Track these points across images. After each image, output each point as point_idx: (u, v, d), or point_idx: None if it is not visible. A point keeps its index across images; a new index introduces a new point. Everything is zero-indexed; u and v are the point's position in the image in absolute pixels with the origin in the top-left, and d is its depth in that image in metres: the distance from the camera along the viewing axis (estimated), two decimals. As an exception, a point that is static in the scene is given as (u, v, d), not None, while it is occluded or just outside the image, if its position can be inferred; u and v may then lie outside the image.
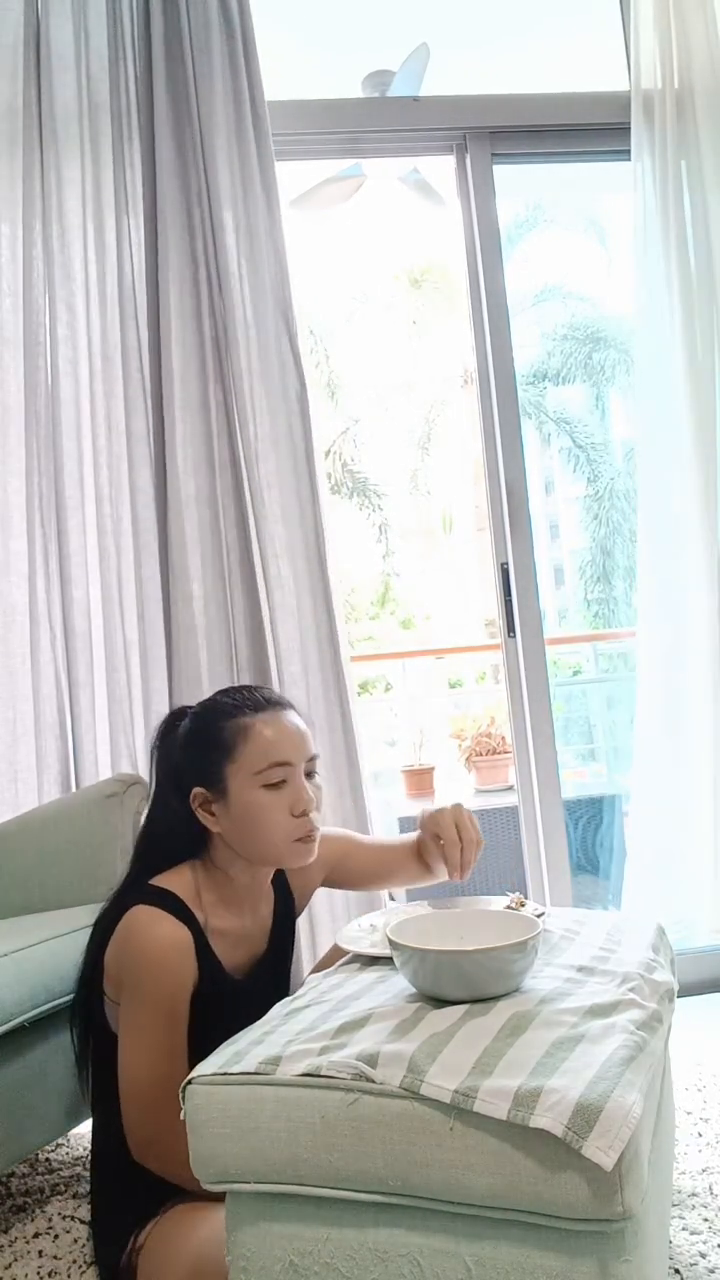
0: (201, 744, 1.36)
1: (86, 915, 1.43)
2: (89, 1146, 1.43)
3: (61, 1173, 1.71)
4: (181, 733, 1.40)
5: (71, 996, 1.41)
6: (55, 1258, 1.42)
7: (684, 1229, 1.34)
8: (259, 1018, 1.17)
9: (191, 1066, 1.19)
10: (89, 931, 1.38)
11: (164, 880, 1.33)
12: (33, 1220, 1.53)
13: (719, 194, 2.39)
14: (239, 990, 1.35)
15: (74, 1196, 1.61)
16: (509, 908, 1.37)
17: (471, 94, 2.50)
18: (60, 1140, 1.82)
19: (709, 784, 2.35)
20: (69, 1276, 1.38)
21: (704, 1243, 1.31)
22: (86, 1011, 1.36)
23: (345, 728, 2.21)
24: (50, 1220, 1.53)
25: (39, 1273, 1.39)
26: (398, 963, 1.14)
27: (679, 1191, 1.44)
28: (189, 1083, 1.04)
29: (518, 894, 1.46)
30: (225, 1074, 1.02)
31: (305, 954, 2.12)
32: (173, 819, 1.37)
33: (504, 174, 2.53)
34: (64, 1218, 1.53)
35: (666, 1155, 1.23)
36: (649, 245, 2.40)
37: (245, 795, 1.32)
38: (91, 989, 1.33)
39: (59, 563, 2.14)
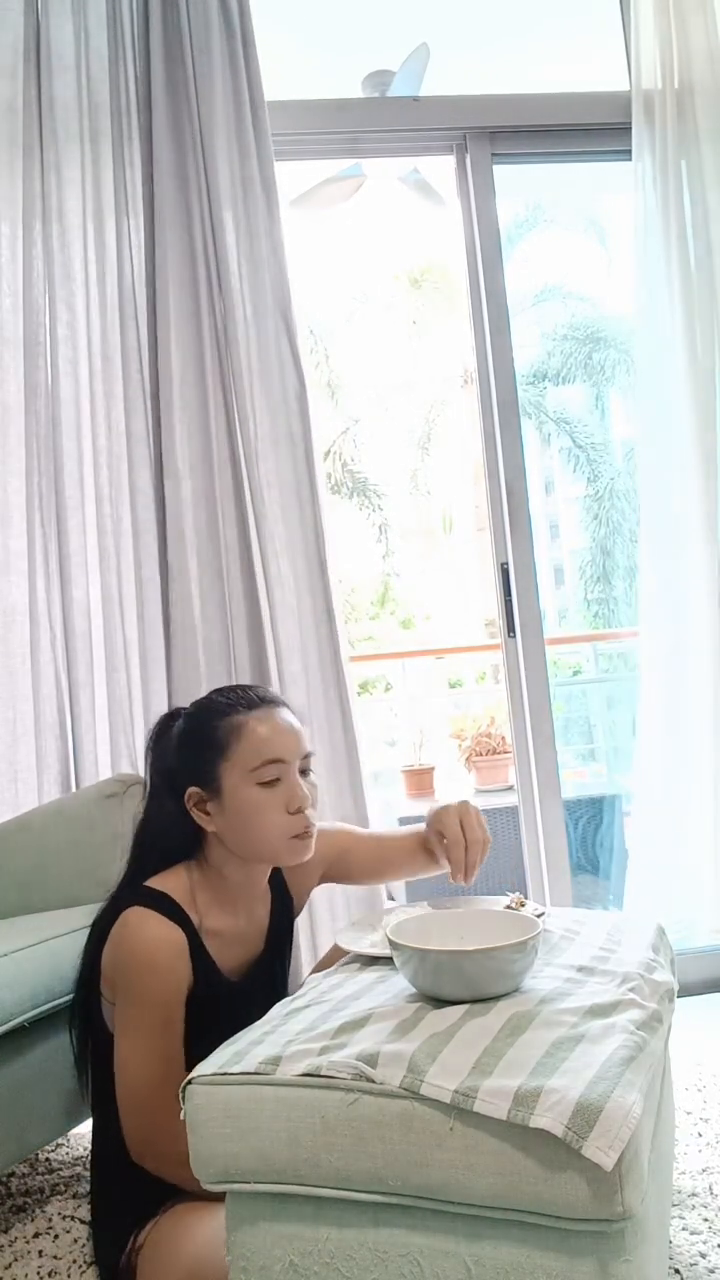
0: (196, 743, 1.36)
1: (86, 915, 1.42)
2: (89, 1146, 1.43)
3: (61, 1173, 1.71)
4: (176, 733, 1.39)
5: (70, 997, 1.41)
6: (55, 1258, 1.42)
7: (684, 1229, 1.34)
8: (255, 1019, 1.17)
9: (188, 1068, 1.19)
10: (87, 932, 1.38)
11: (158, 881, 1.33)
12: (33, 1220, 1.53)
13: (719, 193, 2.39)
14: (235, 991, 1.35)
15: (74, 1196, 1.61)
16: (509, 908, 1.37)
17: (471, 94, 2.50)
18: (60, 1140, 1.82)
19: (710, 784, 2.35)
20: (69, 1276, 1.38)
21: (704, 1243, 1.31)
22: (85, 1012, 1.36)
23: (345, 727, 2.20)
24: (50, 1220, 1.53)
25: (39, 1273, 1.39)
26: (398, 963, 1.14)
27: (679, 1191, 1.44)
28: (189, 1083, 1.04)
29: (518, 894, 1.46)
30: (225, 1074, 1.02)
31: (305, 954, 2.12)
32: (167, 820, 1.36)
33: (504, 174, 2.53)
34: (64, 1218, 1.53)
35: (666, 1155, 1.23)
36: (649, 245, 2.40)
37: (240, 793, 1.32)
38: (89, 990, 1.33)
39: (59, 563, 2.14)
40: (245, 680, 2.15)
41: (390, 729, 6.29)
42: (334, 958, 1.50)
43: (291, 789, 1.34)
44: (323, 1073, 0.98)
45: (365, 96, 2.62)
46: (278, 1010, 1.19)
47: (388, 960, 1.28)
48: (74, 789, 2.11)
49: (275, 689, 2.14)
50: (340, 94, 2.54)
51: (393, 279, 10.06)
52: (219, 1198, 1.08)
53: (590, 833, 3.69)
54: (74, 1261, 1.41)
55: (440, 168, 2.91)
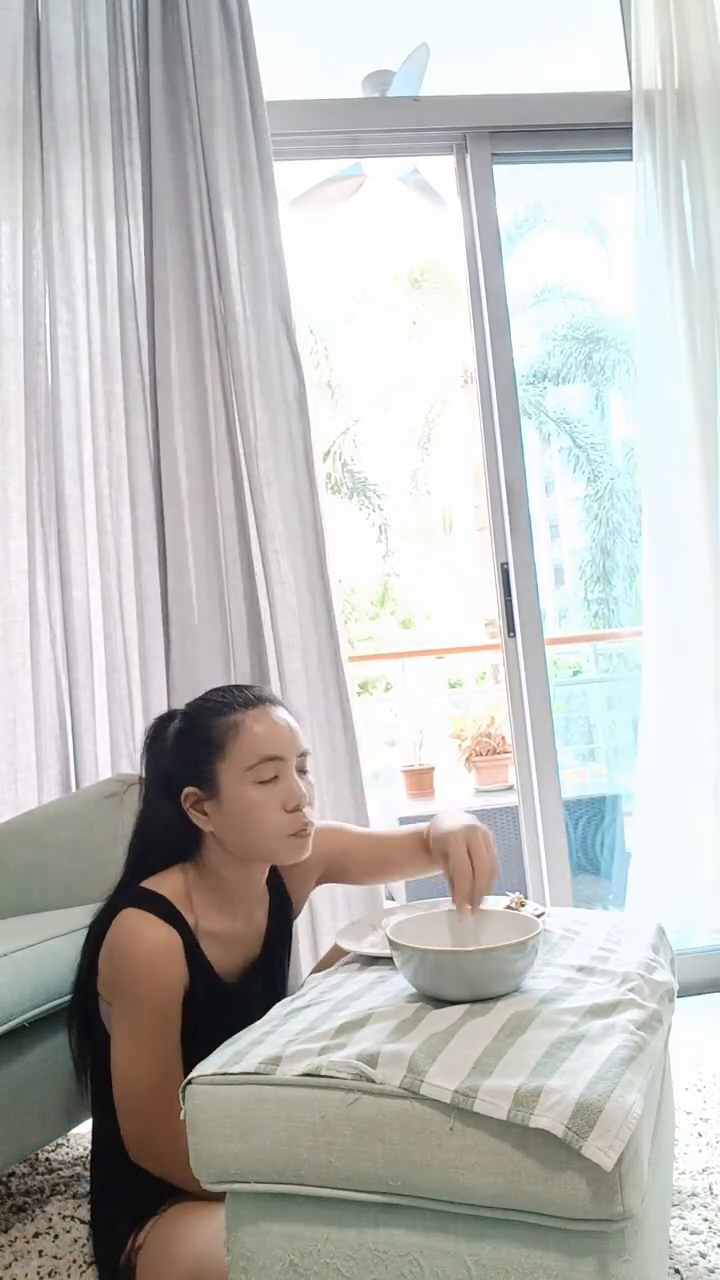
0: (192, 743, 1.35)
1: (86, 915, 1.42)
2: (89, 1146, 1.43)
3: (61, 1173, 1.71)
4: (172, 733, 1.39)
5: (69, 998, 1.41)
6: (55, 1258, 1.42)
7: (684, 1229, 1.34)
8: (254, 1020, 1.17)
9: (186, 1069, 1.19)
10: (85, 933, 1.38)
11: (154, 883, 1.32)
12: (33, 1220, 1.53)
13: (719, 193, 2.39)
14: (231, 993, 1.35)
15: (74, 1196, 1.61)
16: (509, 908, 1.37)
17: (471, 94, 2.50)
18: (60, 1140, 1.82)
19: (712, 783, 2.35)
20: (69, 1276, 1.38)
21: (704, 1243, 1.31)
22: (84, 1013, 1.35)
23: (345, 726, 2.21)
24: (50, 1220, 1.53)
25: (39, 1273, 1.39)
26: (398, 963, 1.14)
27: (679, 1191, 1.44)
28: (189, 1082, 1.04)
29: (518, 894, 1.45)
30: (225, 1074, 1.02)
31: (305, 954, 2.12)
32: (164, 821, 1.36)
33: (504, 174, 2.53)
34: (64, 1218, 1.53)
35: (666, 1155, 1.23)
36: (650, 244, 2.41)
37: (237, 792, 1.31)
38: (88, 991, 1.33)
39: (59, 562, 2.14)
40: (245, 680, 2.15)
41: (390, 729, 6.29)
42: (334, 958, 1.50)
43: (289, 787, 1.33)
44: (323, 1073, 0.98)
45: (365, 96, 2.62)
46: (278, 1010, 1.19)
47: (388, 960, 1.28)
48: (74, 789, 2.11)
49: (275, 688, 2.14)
50: (340, 94, 2.54)
51: (393, 279, 10.05)
52: (218, 1197, 1.08)
53: (590, 833, 3.69)
54: (74, 1261, 1.41)
55: (440, 168, 2.91)
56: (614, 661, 5.71)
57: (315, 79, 2.60)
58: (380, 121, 2.48)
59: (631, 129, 2.42)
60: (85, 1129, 1.63)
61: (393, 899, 2.97)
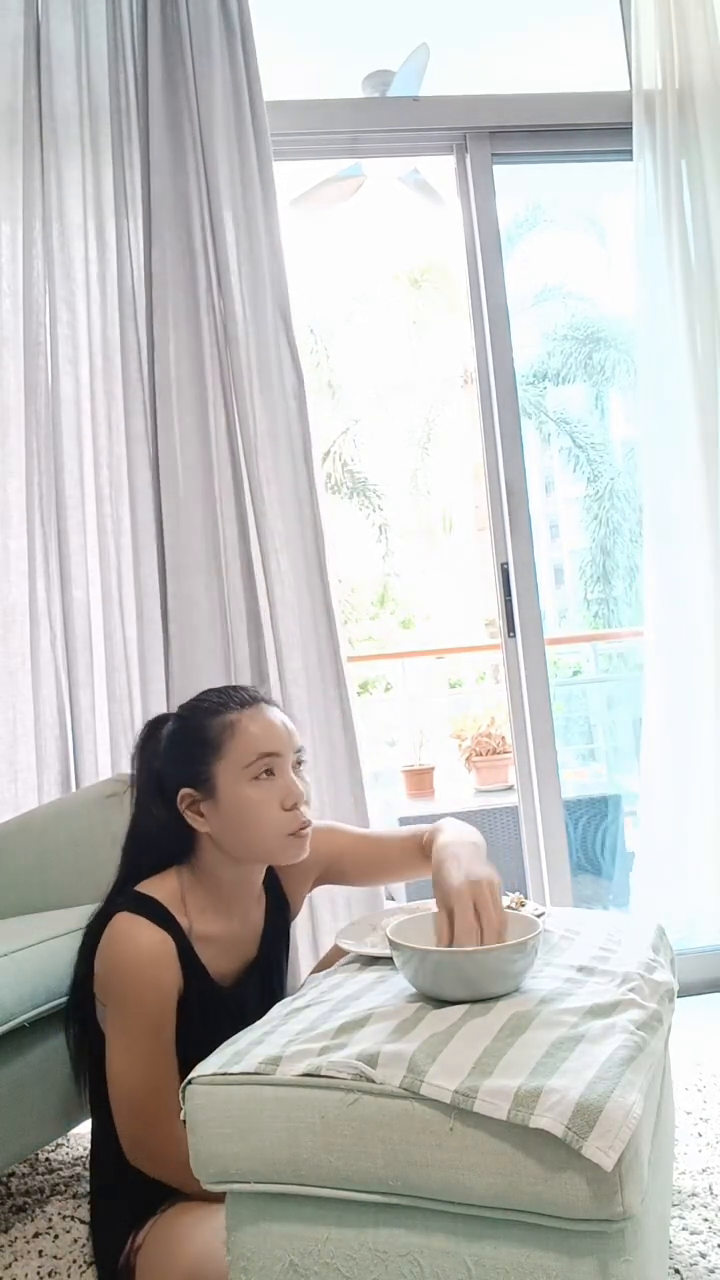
0: (187, 744, 1.35)
1: (86, 915, 1.42)
2: (89, 1146, 1.43)
3: (61, 1173, 1.71)
4: (166, 735, 1.38)
5: (67, 999, 1.41)
6: (55, 1258, 1.42)
7: (684, 1229, 1.34)
8: (248, 1023, 1.16)
9: (182, 1073, 1.19)
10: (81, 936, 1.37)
11: (148, 886, 1.32)
12: (33, 1220, 1.53)
13: (719, 192, 2.39)
14: (227, 996, 1.34)
15: (74, 1196, 1.61)
16: (509, 908, 1.36)
17: (471, 94, 2.50)
18: (60, 1140, 1.82)
19: (714, 783, 2.36)
20: (69, 1276, 1.38)
21: (704, 1243, 1.31)
22: (81, 1015, 1.35)
23: (345, 725, 2.21)
24: (50, 1220, 1.53)
25: (39, 1273, 1.39)
26: (398, 963, 1.14)
27: (679, 1191, 1.44)
28: (189, 1083, 1.04)
29: (518, 894, 1.45)
30: (225, 1074, 1.02)
31: (305, 954, 2.12)
32: (157, 824, 1.35)
33: (504, 174, 2.53)
34: (64, 1218, 1.53)
35: (666, 1155, 1.23)
36: (651, 244, 2.41)
37: (235, 791, 1.31)
38: (84, 994, 1.33)
39: (59, 562, 2.14)
40: (244, 679, 2.16)
41: (390, 729, 6.29)
42: (334, 958, 1.50)
43: (286, 784, 1.33)
44: (323, 1073, 0.98)
45: (365, 96, 2.62)
46: (278, 1010, 1.19)
47: (388, 960, 1.28)
48: (74, 789, 2.11)
49: (275, 687, 2.14)
50: (340, 94, 2.54)
51: (393, 279, 10.05)
52: (217, 1198, 1.08)
53: (590, 833, 3.69)
54: (74, 1261, 1.41)
55: (440, 168, 2.91)
56: (614, 661, 5.71)
57: (315, 79, 2.60)
58: (380, 121, 2.48)
59: (631, 129, 2.42)
60: (85, 1129, 1.63)
61: (393, 899, 2.97)
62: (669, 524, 2.41)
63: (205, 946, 1.32)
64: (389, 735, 6.24)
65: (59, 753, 2.12)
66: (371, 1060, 0.98)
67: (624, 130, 2.44)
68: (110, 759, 2.12)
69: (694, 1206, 1.40)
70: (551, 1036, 0.99)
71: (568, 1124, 0.86)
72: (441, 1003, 1.09)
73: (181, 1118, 1.05)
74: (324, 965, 1.54)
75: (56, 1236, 1.48)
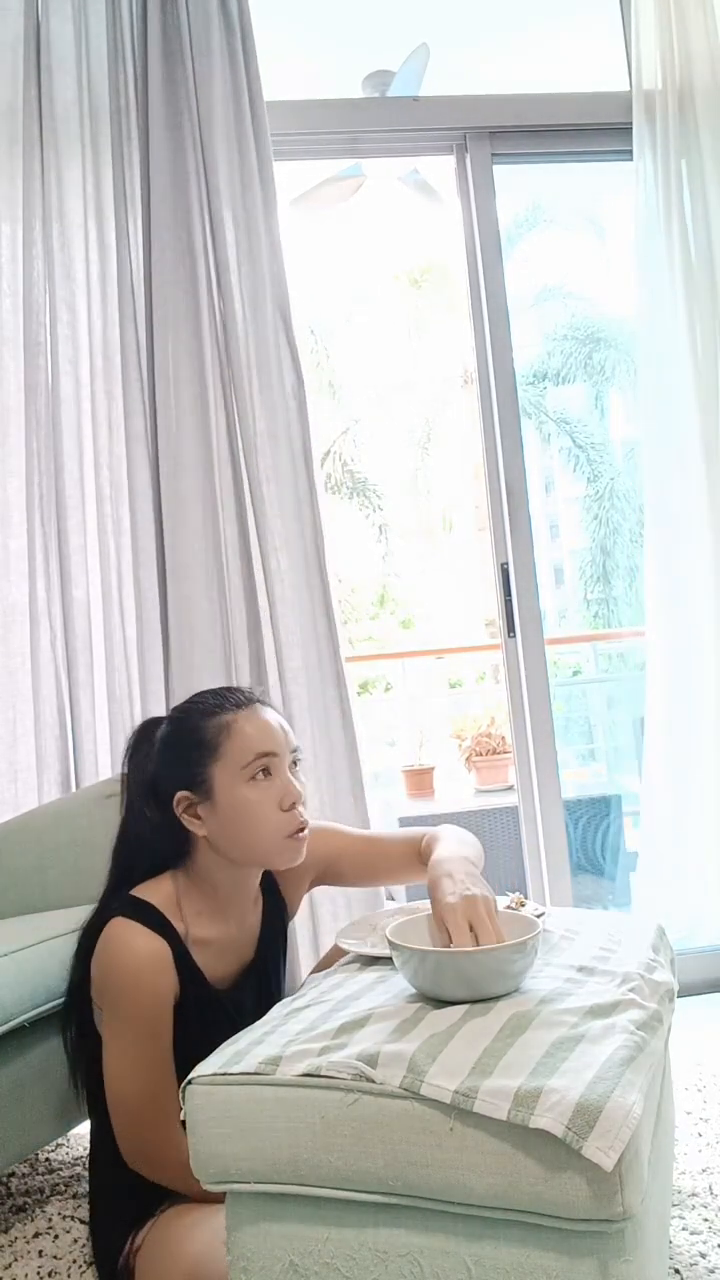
0: (183, 746, 1.33)
1: (85, 916, 1.42)
2: (88, 1147, 1.43)
3: (61, 1173, 1.71)
4: (160, 738, 1.37)
5: (64, 1003, 1.41)
6: (55, 1258, 1.42)
7: (684, 1229, 1.34)
8: (246, 1026, 1.16)
9: (180, 1077, 1.18)
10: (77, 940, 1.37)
11: (143, 891, 1.31)
12: (33, 1220, 1.53)
13: (719, 192, 2.39)
14: (224, 999, 1.34)
15: (74, 1196, 1.61)
16: (509, 908, 1.37)
17: (471, 94, 2.50)
18: (60, 1140, 1.82)
19: (716, 783, 2.36)
20: (69, 1276, 1.38)
21: (704, 1243, 1.31)
22: (79, 1019, 1.35)
23: (345, 724, 2.21)
24: (50, 1220, 1.53)
25: (39, 1273, 1.39)
26: (398, 963, 1.14)
27: (679, 1191, 1.44)
28: (189, 1083, 1.04)
29: (518, 894, 1.45)
30: (225, 1074, 1.02)
31: (305, 954, 2.12)
32: (151, 828, 1.34)
33: (504, 174, 2.53)
34: (64, 1218, 1.53)
35: (666, 1155, 1.23)
36: (651, 244, 2.41)
37: (232, 792, 1.30)
38: (81, 998, 1.33)
39: (59, 562, 2.14)
40: (244, 678, 2.16)
41: (390, 729, 6.29)
42: (334, 958, 1.50)
43: (284, 784, 1.32)
44: (323, 1073, 0.98)
45: (365, 96, 2.62)
46: (278, 1010, 1.19)
47: (388, 960, 1.28)
48: (74, 789, 2.11)
49: (275, 685, 2.14)
50: (340, 94, 2.54)
51: (392, 279, 10.05)
52: (216, 1200, 1.08)
53: (590, 833, 3.69)
54: (74, 1261, 1.41)
55: (440, 168, 2.91)
56: (614, 661, 5.72)
57: (315, 79, 2.60)
58: (380, 121, 2.48)
59: (631, 129, 2.42)
60: (85, 1129, 1.63)
61: (393, 899, 2.97)
62: (670, 523, 2.41)
63: (201, 950, 1.32)
64: (389, 735, 6.24)
65: (59, 753, 2.12)
66: (371, 1060, 0.98)
67: (624, 130, 2.44)
68: (110, 759, 2.12)
69: (694, 1206, 1.40)
70: (551, 1036, 0.99)
71: (568, 1124, 0.86)
72: (441, 1003, 1.09)
73: (181, 1118, 1.05)
74: (324, 965, 1.54)
75: (56, 1236, 1.48)
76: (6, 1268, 1.40)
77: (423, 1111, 0.93)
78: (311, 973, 1.45)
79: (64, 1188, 1.65)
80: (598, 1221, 0.86)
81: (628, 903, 3.57)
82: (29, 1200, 1.61)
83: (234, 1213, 1.02)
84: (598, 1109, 0.87)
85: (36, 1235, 1.48)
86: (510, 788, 3.73)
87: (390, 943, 1.13)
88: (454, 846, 1.33)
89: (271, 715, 1.37)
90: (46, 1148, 1.80)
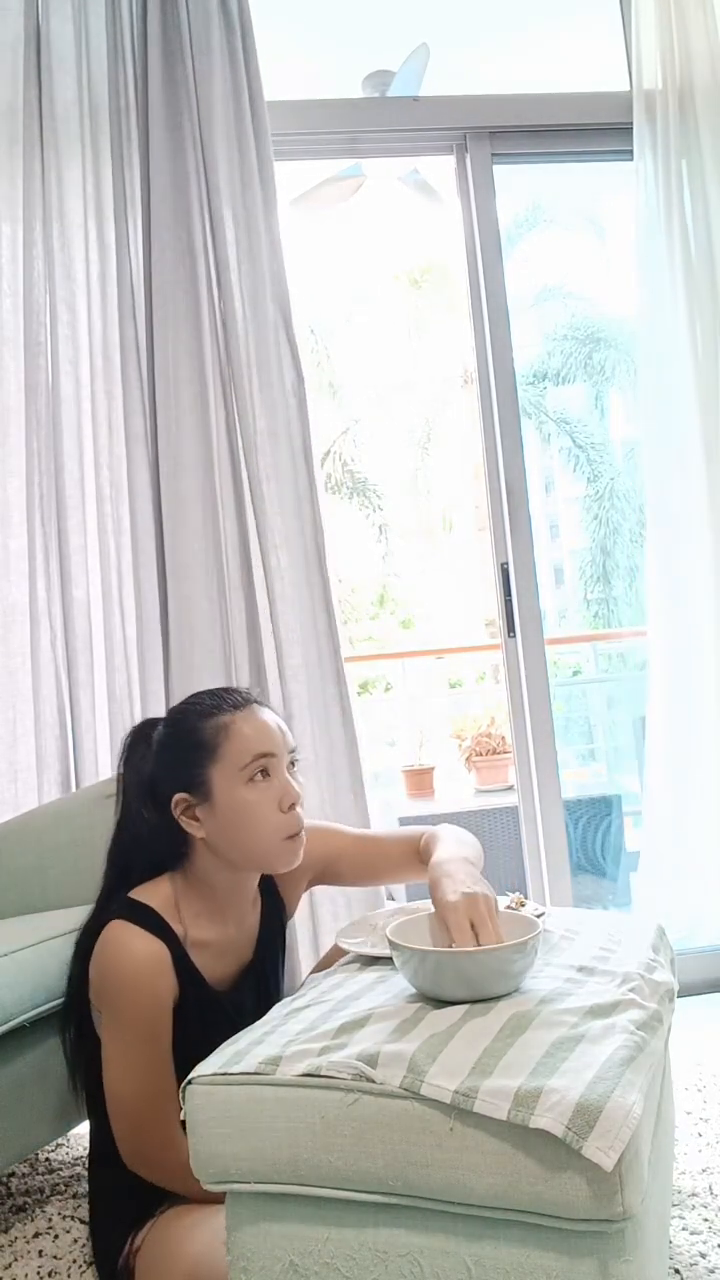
0: (181, 747, 1.33)
1: (85, 916, 1.42)
2: (88, 1147, 1.43)
3: (61, 1173, 1.71)
4: (156, 740, 1.36)
5: (63, 1001, 1.41)
6: (55, 1258, 1.42)
7: (684, 1229, 1.34)
8: (245, 1026, 1.16)
9: (180, 1078, 1.18)
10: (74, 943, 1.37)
11: (141, 893, 1.31)
12: (33, 1220, 1.53)
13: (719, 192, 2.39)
14: (224, 1000, 1.34)
15: (74, 1196, 1.61)
16: (509, 908, 1.37)
17: (471, 94, 2.50)
18: (60, 1140, 1.82)
19: (717, 783, 2.36)
20: (69, 1276, 1.38)
21: (704, 1243, 1.31)
22: (78, 1019, 1.35)
23: (345, 722, 2.21)
24: (50, 1220, 1.53)
25: (39, 1273, 1.39)
26: (398, 963, 1.14)
27: (679, 1191, 1.44)
28: (189, 1083, 1.04)
29: (518, 894, 1.45)
30: (225, 1074, 1.02)
31: (305, 954, 2.12)
32: (147, 830, 1.34)
33: (504, 174, 2.53)
34: (64, 1218, 1.53)
35: (666, 1155, 1.22)
36: (652, 244, 2.41)
37: (231, 794, 1.30)
38: (80, 1000, 1.33)
39: (59, 562, 2.14)
40: (244, 678, 2.16)
41: (390, 729, 6.29)
42: (334, 958, 1.50)
43: (283, 784, 1.32)
44: (323, 1073, 0.98)
45: (365, 96, 2.62)
46: (278, 1010, 1.19)
47: (388, 960, 1.28)
48: (74, 789, 2.11)
49: (276, 684, 2.14)
50: (340, 94, 2.54)
51: (393, 279, 10.05)
52: (216, 1201, 1.08)
53: (590, 833, 3.69)
54: (74, 1261, 1.41)
55: (440, 168, 2.91)
56: (614, 661, 5.72)
57: (315, 79, 2.60)
58: (380, 121, 2.48)
59: (631, 129, 2.42)
60: (85, 1129, 1.63)
61: (393, 899, 2.97)
62: (671, 523, 2.41)
63: (200, 952, 1.31)
64: (389, 735, 6.24)
65: (59, 753, 2.12)
66: (371, 1060, 0.98)
67: (624, 130, 2.44)
68: (110, 759, 2.11)
69: (694, 1206, 1.40)
70: (551, 1036, 0.99)
71: (568, 1124, 0.86)
72: (441, 1003, 1.09)
73: (181, 1118, 1.05)
74: (324, 965, 1.54)
75: (56, 1236, 1.48)
76: (6, 1268, 1.40)
77: (423, 1111, 0.93)
78: (311, 973, 1.45)
79: (64, 1188, 1.65)
80: (598, 1221, 0.86)
81: (628, 903, 3.57)
82: (29, 1200, 1.61)
83: (234, 1213, 1.02)
84: (598, 1109, 0.87)
85: (36, 1235, 1.48)
86: (510, 788, 3.73)
87: (390, 943, 1.13)
88: (454, 847, 1.33)
89: (269, 716, 1.36)
90: (46, 1148, 1.80)
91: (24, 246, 2.14)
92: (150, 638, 2.15)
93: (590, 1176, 0.86)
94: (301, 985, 1.32)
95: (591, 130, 2.53)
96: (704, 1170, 1.50)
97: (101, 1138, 1.32)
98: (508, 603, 2.44)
